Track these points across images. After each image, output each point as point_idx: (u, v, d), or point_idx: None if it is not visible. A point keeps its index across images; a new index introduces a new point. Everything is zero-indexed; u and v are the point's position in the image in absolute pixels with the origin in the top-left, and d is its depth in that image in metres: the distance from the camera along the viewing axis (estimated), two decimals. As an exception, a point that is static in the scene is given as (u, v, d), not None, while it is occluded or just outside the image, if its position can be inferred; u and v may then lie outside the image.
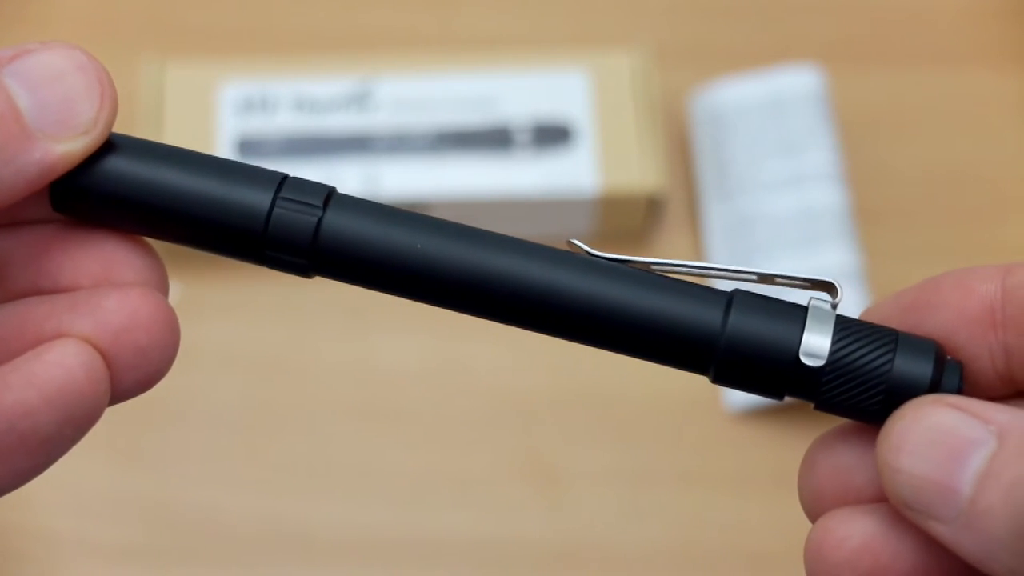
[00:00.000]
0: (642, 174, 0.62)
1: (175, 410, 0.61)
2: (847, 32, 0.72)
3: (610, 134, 0.63)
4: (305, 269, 0.28)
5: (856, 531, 0.27)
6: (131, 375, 0.27)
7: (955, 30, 0.71)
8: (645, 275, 0.28)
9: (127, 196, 0.27)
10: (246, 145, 0.63)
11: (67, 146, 0.26)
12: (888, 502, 0.27)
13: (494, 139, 0.63)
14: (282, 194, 0.27)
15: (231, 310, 0.63)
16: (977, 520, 0.24)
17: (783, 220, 0.62)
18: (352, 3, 0.72)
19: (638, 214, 0.63)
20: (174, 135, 0.63)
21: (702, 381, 0.68)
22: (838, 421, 0.28)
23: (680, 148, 0.67)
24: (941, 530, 0.25)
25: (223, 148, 0.63)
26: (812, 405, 0.28)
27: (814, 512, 0.29)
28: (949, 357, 0.27)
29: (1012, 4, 0.72)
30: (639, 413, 0.61)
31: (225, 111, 0.64)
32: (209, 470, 0.60)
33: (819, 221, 0.62)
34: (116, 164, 0.27)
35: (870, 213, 0.65)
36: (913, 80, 0.70)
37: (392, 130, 0.64)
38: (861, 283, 0.61)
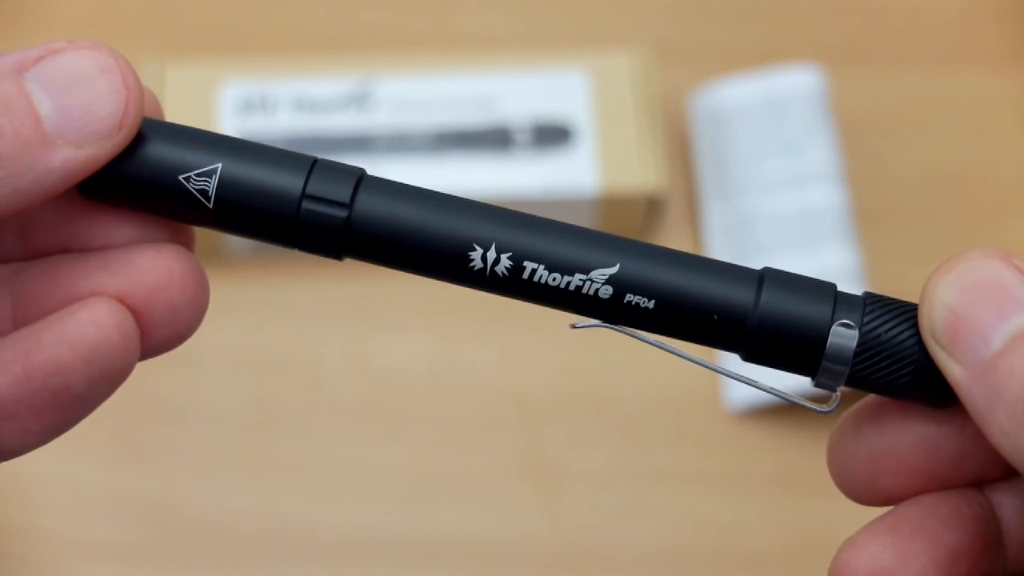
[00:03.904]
0: (642, 174, 0.62)
1: (175, 410, 0.61)
2: (847, 32, 0.72)
3: (610, 134, 0.63)
4: (337, 252, 0.28)
5: None
6: (162, 332, 0.27)
7: (955, 30, 0.71)
8: (677, 253, 0.28)
9: (154, 185, 0.27)
10: (246, 145, 0.63)
11: (89, 151, 0.26)
12: None
13: (494, 139, 0.63)
14: (312, 178, 0.27)
15: (232, 310, 0.63)
16: (994, 374, 0.25)
17: (783, 220, 0.62)
18: (352, 3, 0.72)
19: (638, 214, 0.63)
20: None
21: (702, 381, 0.68)
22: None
23: (680, 148, 0.67)
24: (956, 372, 0.25)
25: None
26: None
27: None
28: None
29: (1012, 4, 0.72)
30: (639, 413, 0.61)
31: (225, 111, 0.64)
32: (209, 470, 0.60)
33: (819, 221, 0.62)
34: (144, 154, 0.27)
35: (870, 213, 0.65)
36: (913, 80, 0.70)
37: (392, 130, 0.64)
38: (861, 283, 0.61)
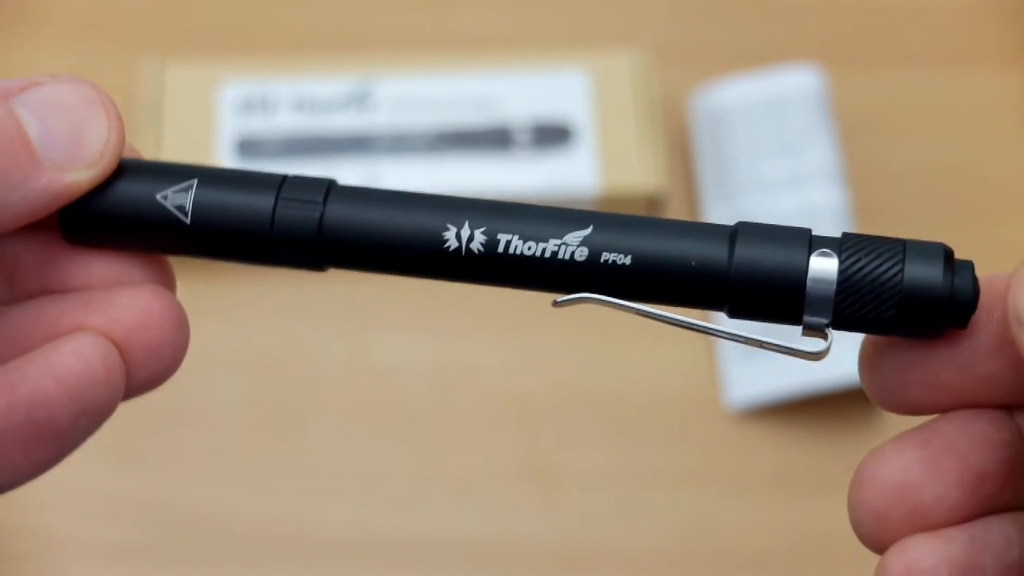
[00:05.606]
0: (642, 174, 0.62)
1: (175, 410, 0.61)
2: (847, 32, 0.72)
3: (610, 134, 0.63)
4: (317, 263, 0.28)
5: (940, 562, 0.27)
6: (142, 372, 0.27)
7: (955, 30, 0.71)
8: (648, 219, 0.28)
9: (133, 209, 0.28)
10: (246, 145, 0.63)
11: (73, 176, 0.27)
12: (965, 526, 0.27)
13: (494, 139, 0.63)
14: (283, 194, 0.28)
15: (231, 310, 0.63)
16: None
17: (783, 220, 0.62)
18: (352, 3, 0.72)
19: (638, 214, 0.63)
20: (174, 135, 0.63)
21: (702, 381, 0.68)
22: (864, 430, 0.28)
23: (680, 148, 0.67)
24: None
25: (223, 148, 0.63)
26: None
27: (879, 537, 0.28)
28: (958, 258, 0.28)
29: (1012, 4, 0.72)
30: (639, 413, 0.61)
31: (225, 111, 0.64)
32: (209, 470, 0.60)
33: (819, 221, 0.62)
34: (123, 190, 0.28)
35: (870, 213, 0.65)
36: (913, 80, 0.70)
37: (392, 130, 0.64)
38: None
